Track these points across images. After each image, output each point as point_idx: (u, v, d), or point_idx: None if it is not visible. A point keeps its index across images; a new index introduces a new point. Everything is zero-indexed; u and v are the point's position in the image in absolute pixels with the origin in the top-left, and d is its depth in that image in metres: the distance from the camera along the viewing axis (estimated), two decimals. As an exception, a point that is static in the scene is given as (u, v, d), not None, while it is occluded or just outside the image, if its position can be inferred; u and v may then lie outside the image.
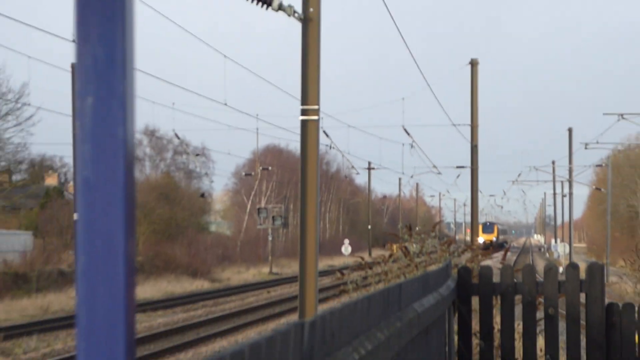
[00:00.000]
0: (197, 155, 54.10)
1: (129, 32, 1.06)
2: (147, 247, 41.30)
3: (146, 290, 32.77)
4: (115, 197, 1.09)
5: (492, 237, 56.98)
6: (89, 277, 1.08)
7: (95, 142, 1.06)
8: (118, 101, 1.05)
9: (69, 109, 28.59)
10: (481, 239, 31.45)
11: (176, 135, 42.76)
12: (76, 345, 1.10)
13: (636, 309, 6.71)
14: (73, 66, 28.34)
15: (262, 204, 54.72)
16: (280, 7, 11.40)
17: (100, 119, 1.05)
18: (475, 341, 6.87)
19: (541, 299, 6.87)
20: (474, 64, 28.70)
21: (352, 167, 54.94)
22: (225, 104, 28.31)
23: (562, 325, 6.80)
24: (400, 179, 70.73)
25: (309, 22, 11.82)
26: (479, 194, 30.45)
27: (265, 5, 11.34)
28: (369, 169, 61.64)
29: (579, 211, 68.25)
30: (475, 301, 6.97)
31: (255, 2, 11.19)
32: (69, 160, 38.47)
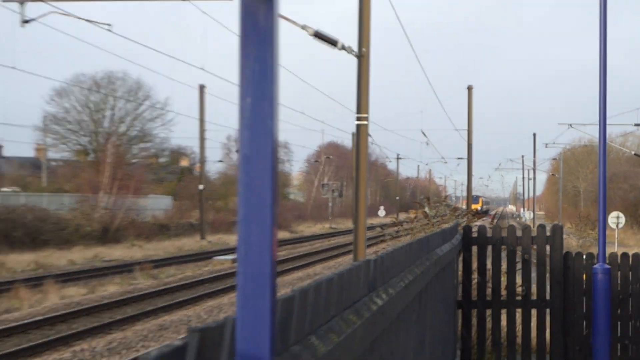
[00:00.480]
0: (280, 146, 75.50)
1: (275, 54, 1.29)
2: None
3: None
4: (265, 169, 1.31)
5: (478, 207, 68.66)
6: (247, 224, 1.32)
7: (252, 130, 1.29)
8: (267, 101, 1.29)
9: (196, 113, 42.80)
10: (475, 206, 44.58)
11: None
12: (237, 270, 1.33)
13: (583, 256, 8.49)
14: (201, 87, 41.37)
15: (325, 181, 75.86)
16: (343, 48, 14.86)
17: (255, 113, 1.28)
18: (473, 276, 8.64)
19: (519, 249, 8.56)
20: (469, 88, 39.27)
21: (386, 157, 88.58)
22: (303, 113, 41.62)
23: (533, 268, 8.59)
24: (418, 166, 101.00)
25: (362, 58, 15.02)
26: (472, 177, 44.17)
27: (332, 46, 14.70)
28: (397, 158, 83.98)
29: (539, 190, 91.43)
30: (474, 249, 8.60)
31: (326, 43, 14.59)
32: (196, 149, 52.50)
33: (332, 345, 1.91)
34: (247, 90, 1.30)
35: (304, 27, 14.14)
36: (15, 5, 13.34)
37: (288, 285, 21.62)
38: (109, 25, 15.80)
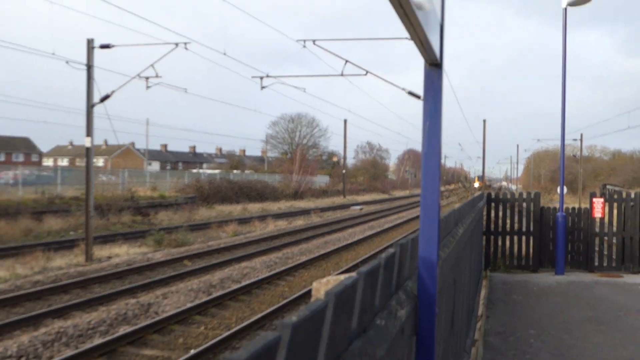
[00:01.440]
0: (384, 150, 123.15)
1: (440, 98, 1.94)
2: (367, 181, 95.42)
3: (371, 197, 74.90)
4: (435, 159, 1.98)
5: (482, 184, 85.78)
6: (426, 185, 1.97)
7: (429, 139, 1.99)
8: (437, 124, 1.99)
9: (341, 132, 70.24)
10: (476, 184, 56.66)
11: (378, 145, 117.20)
12: (420, 209, 2.04)
13: (551, 209, 13.96)
14: (345, 121, 67.37)
15: (407, 168, 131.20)
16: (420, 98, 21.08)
17: (431, 130, 1.97)
18: (492, 219, 13.85)
19: (516, 204, 14.05)
20: (484, 121, 55.16)
21: (446, 157, 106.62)
22: (399, 133, 72.70)
23: (523, 215, 14.22)
24: (455, 162, 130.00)
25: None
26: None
27: (416, 97, 19.81)
28: (445, 157, 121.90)
29: (519, 173, 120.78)
30: (492, 205, 13.91)
31: (413, 96, 19.91)
32: (341, 151, 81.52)
33: (446, 253, 3.04)
34: (427, 117, 1.99)
35: (403, 89, 20.09)
36: (257, 80, 22.73)
37: (403, 217, 40.04)
38: (304, 89, 27.02)
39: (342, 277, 4.77)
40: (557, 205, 13.87)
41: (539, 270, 13.68)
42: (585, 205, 15.05)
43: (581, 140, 59.72)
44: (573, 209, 14.10)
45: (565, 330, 8.19)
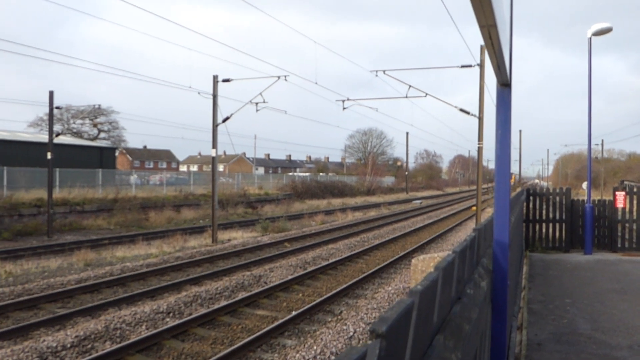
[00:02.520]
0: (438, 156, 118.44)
1: (509, 111, 1.95)
2: (424, 181, 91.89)
3: (428, 193, 72.08)
4: (505, 160, 2.04)
5: (513, 179, 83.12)
6: (499, 180, 1.98)
7: (501, 143, 2.05)
8: (507, 131, 2.04)
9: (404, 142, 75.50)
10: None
11: (433, 152, 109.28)
12: (494, 201, 2.01)
13: (579, 201, 13.31)
14: (407, 133, 68.81)
15: (457, 170, 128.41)
16: (472, 114, 19.08)
17: (502, 137, 2.03)
18: (530, 210, 13.74)
19: (550, 197, 13.52)
20: (520, 131, 59.27)
21: (488, 159, 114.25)
22: (451, 142, 68.16)
23: (557, 206, 13.61)
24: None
25: (480, 120, 18.81)
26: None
27: (467, 113, 19.13)
28: (489, 161, 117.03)
29: (550, 172, 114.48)
30: (531, 199, 13.79)
31: (463, 112, 19.32)
32: (404, 157, 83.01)
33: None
34: (499, 126, 1.99)
35: (455, 106, 19.34)
36: (340, 102, 22.58)
37: (455, 209, 37.23)
38: (376, 109, 27.10)
39: (434, 255, 4.69)
40: (584, 198, 13.29)
41: (570, 250, 13.12)
42: (607, 197, 14.20)
43: (602, 144, 63.59)
44: (599, 200, 13.39)
45: (596, 299, 7.78)
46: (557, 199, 13.37)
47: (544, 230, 13.42)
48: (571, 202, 13.30)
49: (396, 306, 0.85)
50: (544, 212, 13.49)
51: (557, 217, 13.32)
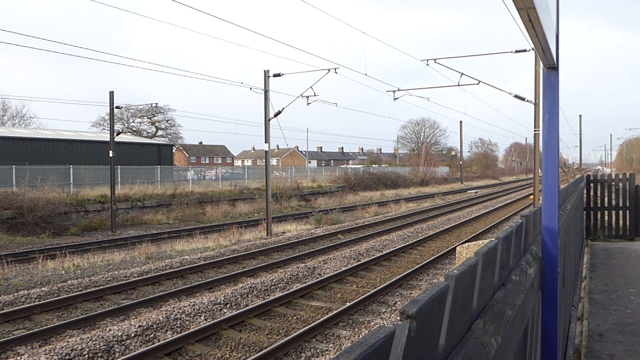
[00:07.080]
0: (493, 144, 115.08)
1: (557, 95, 1.84)
2: (480, 170, 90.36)
3: (484, 182, 71.04)
4: (553, 146, 1.87)
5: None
6: (547, 168, 1.91)
7: (549, 127, 1.92)
8: (554, 115, 1.90)
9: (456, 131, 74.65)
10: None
11: (488, 140, 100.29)
12: (543, 188, 1.86)
13: None
14: (460, 122, 67.65)
15: (513, 158, 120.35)
16: (528, 101, 18.67)
17: (550, 121, 1.91)
18: (591, 197, 13.17)
19: (613, 184, 12.89)
20: (580, 116, 54.44)
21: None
22: (506, 130, 59.44)
23: (620, 192, 12.94)
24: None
25: (536, 106, 18.20)
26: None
27: (522, 100, 18.76)
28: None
29: (613, 158, 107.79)
30: (591, 186, 13.18)
31: (519, 99, 18.80)
32: (457, 146, 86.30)
33: (562, 218, 3.55)
34: (546, 111, 1.91)
35: (509, 93, 18.74)
36: (390, 93, 22.19)
37: (512, 197, 37.57)
38: (428, 98, 26.57)
39: (479, 242, 4.63)
40: (652, 185, 12.59)
41: (635, 239, 12.55)
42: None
43: (671, 127, 59.97)
44: (667, 187, 12.69)
45: (664, 292, 7.40)
46: (620, 185, 12.78)
47: (606, 218, 12.86)
48: (635, 188, 12.67)
49: (429, 289, 0.87)
50: (605, 199, 12.93)
51: (621, 204, 12.74)
